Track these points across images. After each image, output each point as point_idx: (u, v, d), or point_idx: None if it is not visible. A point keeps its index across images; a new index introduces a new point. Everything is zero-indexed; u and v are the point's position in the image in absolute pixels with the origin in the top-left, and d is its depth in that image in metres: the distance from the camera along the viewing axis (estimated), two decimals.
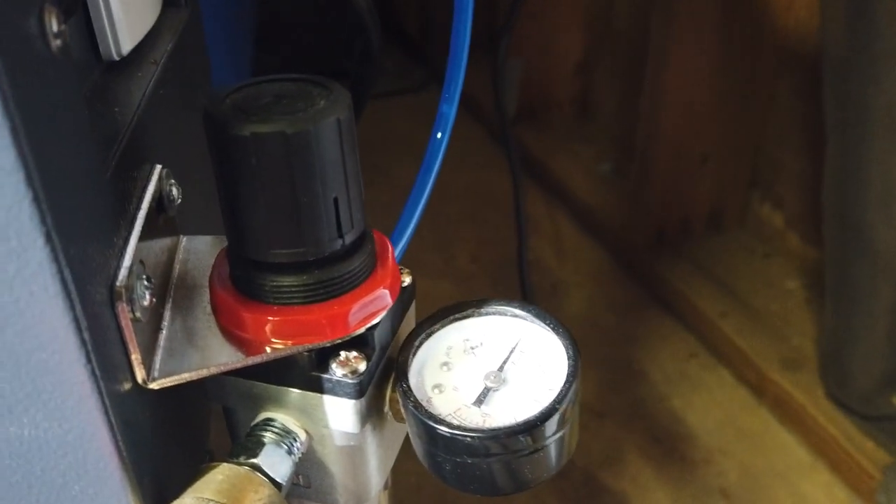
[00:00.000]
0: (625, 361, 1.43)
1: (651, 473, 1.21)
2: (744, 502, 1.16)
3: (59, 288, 0.26)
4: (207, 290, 0.38)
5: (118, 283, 0.30)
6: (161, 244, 0.38)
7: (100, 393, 0.29)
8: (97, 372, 0.28)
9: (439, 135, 0.45)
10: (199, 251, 0.42)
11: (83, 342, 0.27)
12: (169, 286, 0.38)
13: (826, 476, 1.19)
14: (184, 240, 0.42)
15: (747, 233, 1.63)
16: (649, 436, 1.28)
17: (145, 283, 0.32)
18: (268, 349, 0.35)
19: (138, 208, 0.35)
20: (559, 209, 1.78)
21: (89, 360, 0.28)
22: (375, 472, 0.41)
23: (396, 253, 0.49)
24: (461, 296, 1.61)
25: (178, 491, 0.37)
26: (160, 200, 0.38)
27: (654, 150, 1.56)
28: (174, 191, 0.40)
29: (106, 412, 0.29)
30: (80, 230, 0.27)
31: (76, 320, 0.27)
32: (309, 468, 0.39)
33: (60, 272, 0.26)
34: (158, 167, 0.38)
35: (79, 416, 0.29)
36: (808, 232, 1.52)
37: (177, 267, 0.40)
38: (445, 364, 0.40)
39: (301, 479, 0.40)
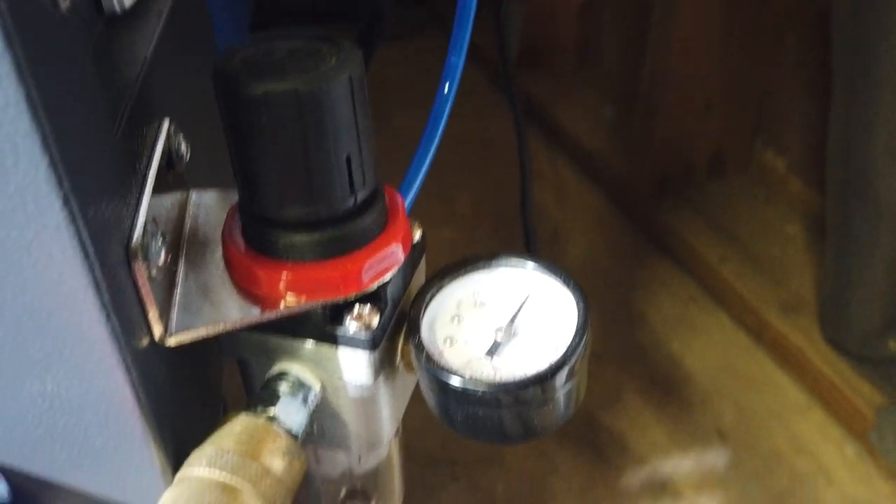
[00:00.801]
0: (625, 306, 1.45)
1: (649, 414, 1.24)
2: (739, 442, 1.19)
3: (78, 250, 0.26)
4: (220, 246, 0.39)
5: (133, 243, 0.31)
6: (171, 200, 0.38)
7: (119, 350, 0.29)
8: (116, 330, 0.29)
9: (447, 88, 0.45)
10: (209, 206, 0.42)
11: (102, 302, 0.28)
12: (181, 242, 0.39)
13: (820, 416, 1.22)
14: (193, 194, 0.42)
15: (750, 178, 1.62)
16: (648, 378, 1.30)
17: (160, 241, 0.33)
18: (282, 305, 0.35)
19: (148, 166, 0.35)
20: (561, 155, 1.77)
21: (109, 319, 0.28)
22: (387, 421, 0.42)
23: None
24: (463, 243, 1.62)
25: (198, 442, 0.38)
26: (169, 157, 0.38)
27: (658, 95, 1.54)
28: (182, 146, 0.39)
29: (126, 368, 0.30)
30: (94, 191, 0.27)
31: (95, 281, 0.27)
32: (323, 418, 0.40)
33: (78, 234, 0.26)
34: (166, 123, 0.38)
35: (100, 372, 0.30)
36: (810, 177, 1.52)
37: (188, 222, 0.40)
38: (456, 317, 0.40)
39: (315, 428, 0.41)
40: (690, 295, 1.46)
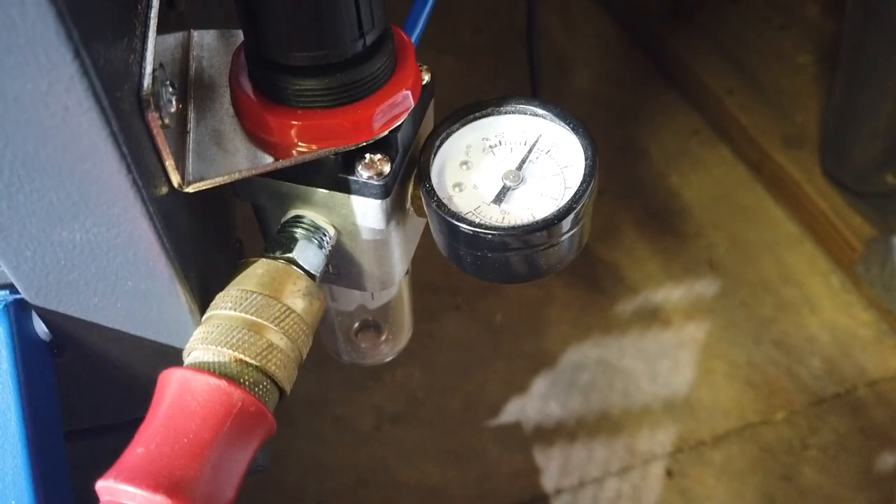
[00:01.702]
0: (627, 138, 1.44)
1: (644, 246, 1.27)
2: (729, 272, 1.24)
3: (93, 102, 0.26)
4: (227, 90, 0.38)
5: (144, 91, 0.30)
6: (175, 42, 0.37)
7: (141, 197, 0.30)
8: (136, 179, 0.29)
9: None
10: (211, 46, 0.41)
11: (121, 152, 0.28)
12: (188, 86, 0.38)
13: (811, 248, 1.25)
14: (195, 35, 0.41)
15: (764, 1, 1.55)
16: (645, 211, 1.33)
17: (170, 88, 0.32)
18: (294, 153, 0.35)
19: (149, 6, 0.34)
20: None
21: (129, 170, 0.29)
22: (399, 261, 0.43)
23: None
24: (464, 70, 1.57)
25: (220, 281, 0.40)
26: None
27: None
28: None
29: (148, 214, 0.31)
30: (102, 39, 0.27)
31: (112, 132, 0.27)
32: (338, 258, 0.42)
33: (92, 86, 0.26)
34: None
35: (124, 220, 0.31)
36: (830, 2, 1.45)
37: (192, 65, 0.39)
38: (465, 163, 0.40)
39: (331, 268, 0.43)
40: (694, 128, 1.45)
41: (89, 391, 0.39)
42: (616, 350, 1.15)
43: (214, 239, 0.42)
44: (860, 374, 1.12)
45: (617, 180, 1.36)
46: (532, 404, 1.09)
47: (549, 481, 1.02)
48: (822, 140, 1.30)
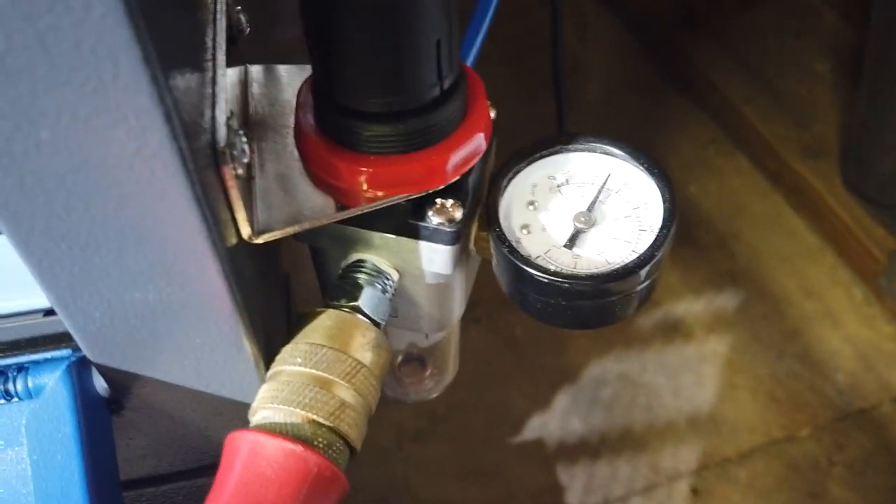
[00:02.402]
0: (644, 147, 1.42)
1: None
2: (750, 284, 1.23)
3: (180, 165, 0.25)
4: (288, 131, 0.37)
5: (220, 144, 0.29)
6: (234, 78, 0.36)
7: (217, 256, 0.29)
8: (215, 238, 0.28)
9: None
10: (265, 82, 0.39)
11: (203, 214, 0.27)
12: (250, 126, 0.37)
13: (832, 260, 1.24)
14: (252, 70, 0.39)
15: (781, 9, 1.54)
16: None
17: (242, 138, 0.31)
18: (364, 199, 0.34)
19: (216, 48, 0.32)
20: None
21: (209, 231, 0.27)
22: (459, 303, 0.42)
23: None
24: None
25: (276, 323, 0.39)
26: (230, 31, 0.35)
27: None
28: (242, 18, 0.36)
29: (223, 271, 0.29)
30: (188, 96, 0.25)
31: (196, 195, 0.26)
32: (398, 301, 0.40)
33: (180, 149, 0.24)
34: None
35: (199, 279, 0.29)
36: (847, 9, 1.44)
37: (251, 103, 0.38)
38: (532, 203, 0.39)
39: (390, 309, 0.41)
40: (710, 136, 1.44)
41: (145, 443, 0.37)
42: (638, 365, 1.13)
43: (270, 281, 0.40)
44: (884, 388, 1.10)
45: None
46: (554, 420, 1.08)
47: (573, 500, 1.01)
48: (844, 151, 1.28)
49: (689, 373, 1.13)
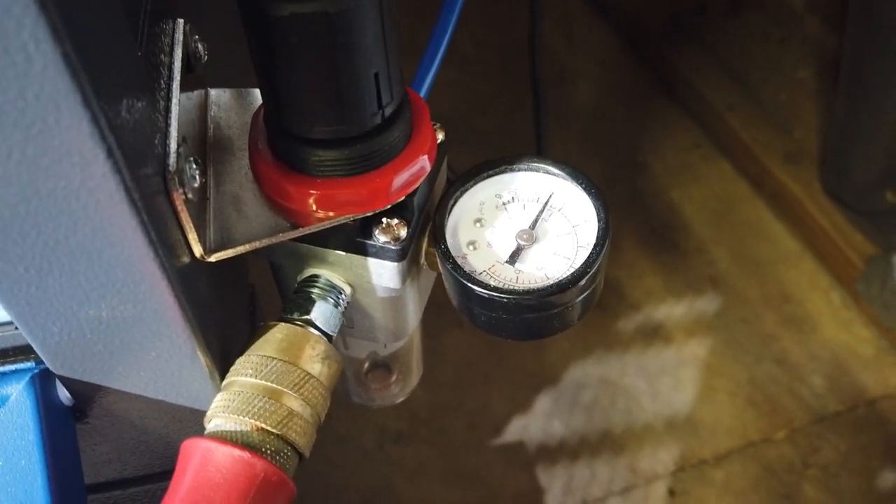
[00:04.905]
0: (628, 152, 1.45)
1: (645, 262, 1.28)
2: (730, 289, 1.25)
3: (123, 194, 0.27)
4: (244, 153, 0.39)
5: (170, 170, 0.31)
6: (192, 103, 0.38)
7: (166, 275, 0.31)
8: (163, 259, 0.30)
9: None
10: (225, 105, 0.41)
11: (149, 237, 0.29)
12: (207, 150, 0.39)
13: (811, 265, 1.26)
14: (212, 94, 0.41)
15: (765, 16, 1.56)
16: (646, 226, 1.33)
17: (193, 165, 0.33)
18: (313, 219, 0.36)
19: (171, 78, 0.34)
20: None
21: (157, 252, 0.29)
22: (412, 314, 0.44)
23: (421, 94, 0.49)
24: (464, 84, 1.57)
25: (237, 335, 0.41)
26: (188, 60, 0.37)
27: None
28: (200, 47, 0.38)
29: (172, 289, 0.31)
30: (133, 131, 0.27)
31: (142, 221, 0.28)
32: (352, 312, 0.42)
33: (123, 180, 0.26)
34: (181, 23, 0.37)
35: (149, 296, 0.31)
36: (830, 16, 1.46)
37: (210, 126, 0.40)
38: (479, 221, 0.41)
39: (345, 321, 0.43)
40: (694, 142, 1.46)
41: (109, 448, 0.39)
42: (618, 368, 1.16)
43: (230, 296, 0.42)
44: (861, 392, 1.12)
45: (618, 195, 1.37)
46: (535, 423, 1.10)
47: (552, 501, 1.03)
48: (822, 158, 1.30)
49: (668, 376, 1.15)
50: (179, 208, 0.32)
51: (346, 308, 0.40)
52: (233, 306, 0.42)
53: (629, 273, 1.27)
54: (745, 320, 1.20)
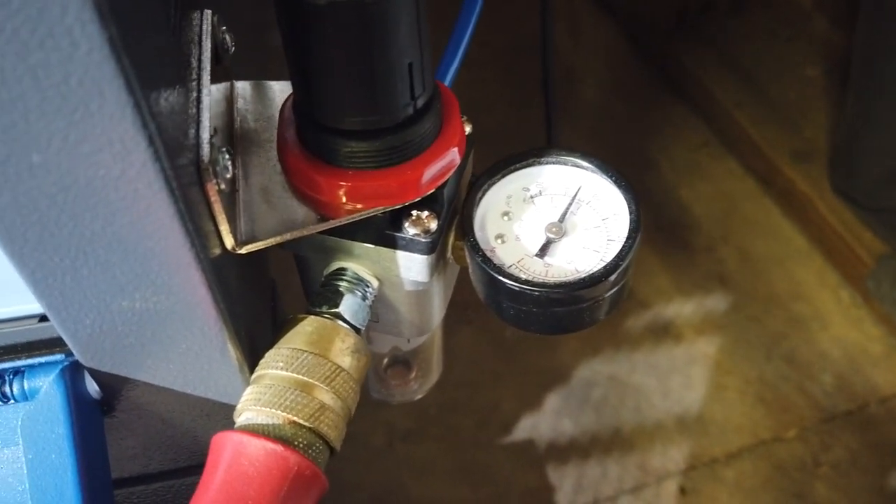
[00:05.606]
0: (636, 150, 1.45)
1: (655, 260, 1.28)
2: (740, 287, 1.25)
3: (163, 183, 0.26)
4: (271, 145, 0.38)
5: (204, 161, 0.31)
6: (220, 95, 0.37)
7: (200, 266, 0.30)
8: (198, 249, 0.30)
9: None
10: (251, 96, 0.41)
11: (186, 227, 0.28)
12: (235, 141, 0.38)
13: (820, 263, 1.26)
14: (238, 86, 0.41)
15: (772, 15, 1.56)
16: (654, 225, 1.33)
17: (226, 154, 0.33)
18: (343, 211, 0.36)
19: (201, 69, 0.34)
20: None
21: (193, 243, 0.29)
22: (438, 309, 0.44)
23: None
24: (470, 83, 1.57)
25: (262, 329, 0.40)
26: (216, 51, 0.37)
27: None
28: (227, 38, 0.38)
29: (206, 280, 0.31)
30: (171, 118, 0.27)
31: (179, 211, 0.27)
32: (378, 306, 0.42)
33: (163, 169, 0.26)
34: (209, 14, 0.36)
35: (183, 287, 0.31)
36: (838, 15, 1.46)
37: (237, 118, 0.40)
38: (506, 214, 0.41)
39: (370, 315, 0.43)
40: (702, 140, 1.46)
41: (135, 443, 0.39)
42: (627, 366, 1.15)
43: (256, 289, 0.42)
44: (871, 390, 1.12)
45: None
46: (545, 421, 1.10)
47: (563, 500, 1.03)
48: (832, 156, 1.30)
49: (678, 374, 1.14)
50: (213, 199, 0.31)
51: (373, 302, 0.40)
52: (258, 300, 0.42)
53: (638, 271, 1.26)
54: (754, 318, 1.20)
